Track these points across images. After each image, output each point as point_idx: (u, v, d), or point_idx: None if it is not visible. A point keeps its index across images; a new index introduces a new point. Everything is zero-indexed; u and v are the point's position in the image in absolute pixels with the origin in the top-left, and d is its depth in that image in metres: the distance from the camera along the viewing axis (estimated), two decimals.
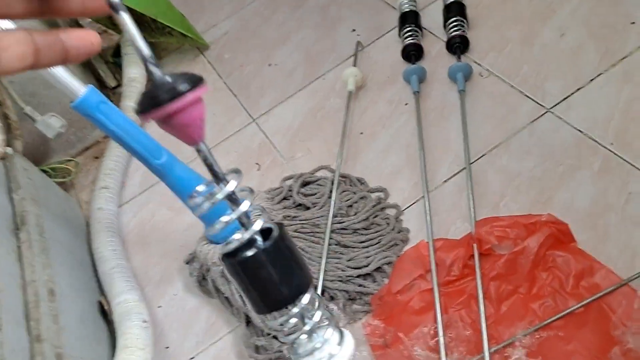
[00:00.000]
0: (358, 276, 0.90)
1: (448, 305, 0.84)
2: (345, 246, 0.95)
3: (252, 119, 1.24)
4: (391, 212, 1.00)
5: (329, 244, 0.94)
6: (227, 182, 0.33)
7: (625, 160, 0.90)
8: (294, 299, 0.36)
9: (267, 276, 0.35)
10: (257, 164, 1.16)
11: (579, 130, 0.97)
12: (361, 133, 1.12)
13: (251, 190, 0.37)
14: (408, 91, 1.14)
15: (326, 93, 1.22)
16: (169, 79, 0.27)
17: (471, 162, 0.99)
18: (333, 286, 0.89)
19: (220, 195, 0.33)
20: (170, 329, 0.97)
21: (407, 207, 0.99)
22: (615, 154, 0.92)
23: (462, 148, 1.01)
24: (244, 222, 0.35)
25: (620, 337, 0.70)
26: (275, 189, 1.07)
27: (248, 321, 0.91)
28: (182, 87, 0.27)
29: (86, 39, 0.27)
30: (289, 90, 1.26)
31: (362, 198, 1.01)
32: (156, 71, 0.28)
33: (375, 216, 0.99)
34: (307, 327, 0.40)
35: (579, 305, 0.77)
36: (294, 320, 0.39)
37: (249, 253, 0.35)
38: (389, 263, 0.92)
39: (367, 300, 0.89)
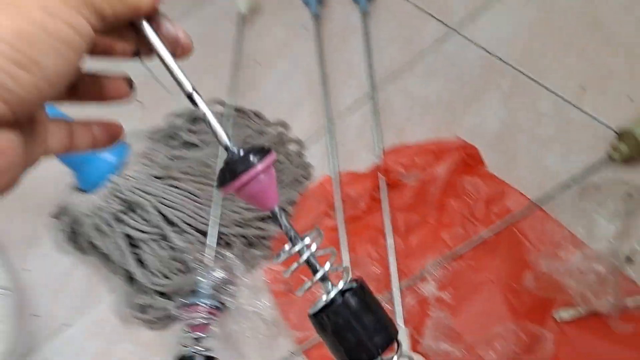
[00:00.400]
0: (257, 219, 0.80)
1: (355, 242, 0.76)
2: None
3: None
4: (293, 147, 0.90)
5: None
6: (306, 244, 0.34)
7: (533, 79, 0.86)
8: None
9: (355, 329, 0.33)
10: (138, 100, 1.00)
11: (486, 50, 0.91)
12: (257, 62, 1.00)
13: (333, 252, 0.37)
14: (307, 14, 1.03)
15: (215, 18, 1.08)
16: (240, 152, 0.31)
17: (376, 88, 0.91)
18: (229, 231, 0.78)
19: (302, 260, 0.34)
20: (40, 295, 0.83)
21: (310, 141, 0.90)
22: (523, 73, 0.87)
23: (366, 74, 0.92)
24: (325, 277, 0.34)
25: (532, 260, 0.66)
26: (160, 129, 0.93)
27: (130, 279, 0.79)
28: (252, 159, 0.30)
29: (112, 130, 0.34)
30: (175, 16, 1.09)
31: (259, 133, 0.90)
32: (232, 150, 0.31)
33: (275, 152, 0.88)
34: None
35: (490, 232, 0.72)
36: None
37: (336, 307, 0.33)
38: (291, 202, 0.82)
39: (267, 244, 0.80)
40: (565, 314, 0.65)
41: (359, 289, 0.34)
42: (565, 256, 0.66)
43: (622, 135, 0.73)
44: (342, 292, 0.33)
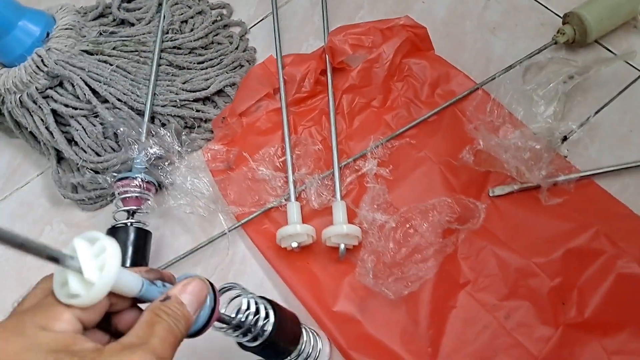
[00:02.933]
0: (195, 100, 0.77)
1: (298, 123, 0.74)
2: (180, 67, 0.79)
3: None
4: (235, 30, 0.85)
5: (159, 64, 0.78)
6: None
7: None
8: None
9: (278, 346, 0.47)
10: None
11: None
12: None
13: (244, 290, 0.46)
14: None
15: None
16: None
17: None
18: (165, 111, 0.74)
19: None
20: None
21: (254, 25, 0.85)
22: None
23: None
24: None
25: (472, 133, 0.66)
26: (92, 5, 0.86)
27: (60, 158, 0.75)
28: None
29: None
30: None
31: (199, 13, 0.85)
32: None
33: (216, 35, 0.84)
34: None
35: (431, 112, 0.72)
36: None
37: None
38: (232, 85, 0.79)
39: (207, 127, 0.77)
40: (499, 190, 0.66)
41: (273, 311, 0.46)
42: (503, 134, 0.66)
43: (567, 17, 0.73)
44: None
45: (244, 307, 0.43)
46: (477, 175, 0.67)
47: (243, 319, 0.43)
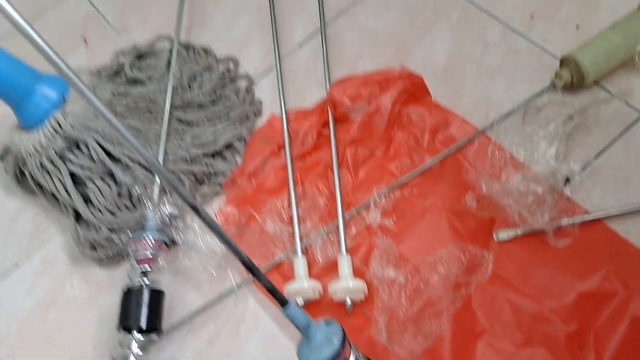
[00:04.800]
0: (205, 155, 0.80)
1: (304, 178, 0.76)
2: (189, 123, 0.83)
3: None
4: (242, 83, 0.88)
5: (169, 122, 0.81)
6: None
7: (482, 9, 0.85)
8: None
9: None
10: (83, 38, 0.97)
11: None
12: None
13: None
14: None
15: None
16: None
17: (327, 22, 0.89)
18: (176, 168, 0.77)
19: None
20: None
21: (260, 77, 0.88)
22: (473, 3, 0.86)
23: (317, 7, 0.89)
24: None
25: (472, 181, 0.68)
26: (105, 66, 0.90)
27: (78, 216, 0.78)
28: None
29: None
30: None
31: (207, 69, 0.88)
32: None
33: (224, 88, 0.87)
34: None
35: (433, 160, 0.73)
36: None
37: None
38: (240, 138, 0.82)
39: (217, 181, 0.79)
40: (503, 234, 0.67)
41: None
42: (505, 178, 0.68)
43: (564, 61, 0.74)
44: None
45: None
46: (483, 219, 0.68)
47: None
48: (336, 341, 0.48)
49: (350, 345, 0.51)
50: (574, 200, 0.68)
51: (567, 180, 0.69)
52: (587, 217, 0.66)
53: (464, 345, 0.62)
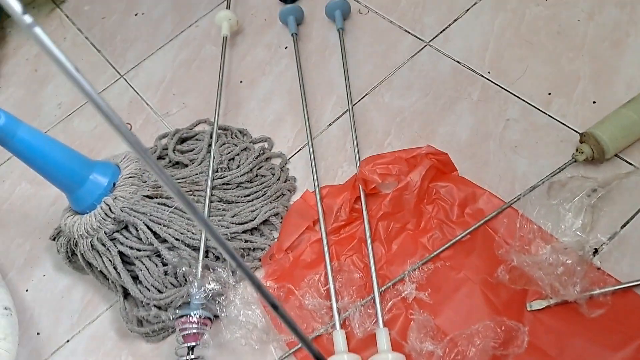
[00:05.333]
0: (244, 232, 0.84)
1: (339, 252, 0.80)
2: (229, 202, 0.88)
3: (119, 74, 1.12)
4: (276, 161, 0.94)
5: (211, 201, 0.87)
6: None
7: (501, 87, 0.90)
8: None
9: None
10: (128, 123, 1.05)
11: (457, 62, 0.95)
12: (240, 81, 1.05)
13: None
14: (286, 33, 1.08)
15: (200, 41, 1.13)
16: None
17: (354, 102, 0.95)
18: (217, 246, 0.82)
19: None
20: (41, 314, 0.86)
21: (293, 155, 0.94)
22: (492, 82, 0.91)
23: (344, 89, 0.96)
24: None
25: (504, 255, 0.71)
26: (149, 149, 0.97)
27: (126, 294, 0.83)
28: None
29: None
30: (159, 41, 1.15)
31: (244, 150, 0.94)
32: None
33: (260, 167, 0.93)
34: None
35: (464, 233, 0.76)
36: None
37: None
38: (276, 214, 0.86)
39: (256, 256, 0.84)
40: (536, 304, 0.69)
41: None
42: (535, 250, 0.70)
43: (584, 137, 0.78)
44: None
45: None
46: (516, 292, 0.70)
47: None
48: None
49: None
50: (604, 271, 0.70)
51: (596, 250, 0.71)
52: (618, 287, 0.68)
53: None
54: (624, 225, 0.74)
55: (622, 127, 0.76)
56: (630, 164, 0.78)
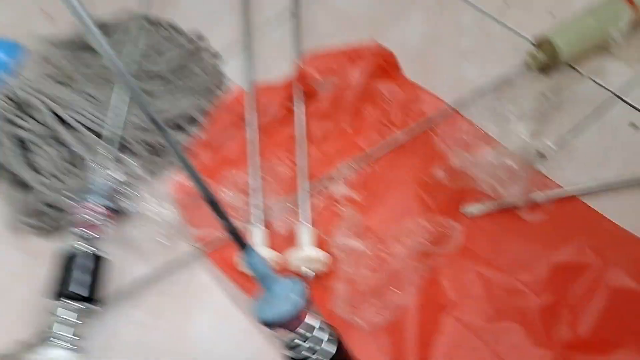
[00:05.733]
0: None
1: (268, 152, 0.72)
2: (150, 94, 0.78)
3: None
4: (207, 57, 0.84)
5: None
6: None
7: None
8: None
9: None
10: (44, 11, 0.93)
11: None
12: None
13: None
14: None
15: None
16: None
17: (299, 1, 0.87)
18: (129, 136, 0.72)
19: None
20: None
21: (228, 53, 0.85)
22: None
23: None
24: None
25: (443, 153, 0.65)
26: (66, 36, 0.86)
27: (20, 183, 0.72)
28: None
29: None
30: None
31: (170, 41, 0.84)
32: None
33: (188, 61, 0.83)
34: None
35: (403, 134, 0.70)
36: None
37: None
38: (201, 110, 0.77)
39: None
40: (473, 209, 0.63)
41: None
42: (477, 153, 0.65)
43: (540, 43, 0.72)
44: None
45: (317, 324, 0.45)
46: (453, 193, 0.65)
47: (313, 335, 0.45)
48: (297, 298, 0.43)
49: (313, 311, 0.46)
50: (548, 176, 0.65)
51: (541, 155, 0.66)
52: (562, 193, 0.63)
53: (430, 318, 0.57)
54: (572, 133, 0.69)
55: (578, 33, 0.72)
56: (582, 73, 0.73)
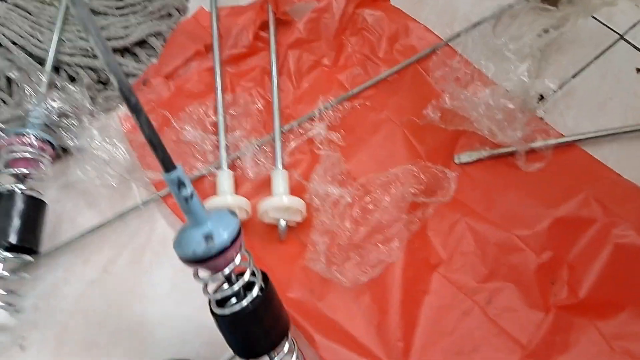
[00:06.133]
0: (113, 51, 0.64)
1: (235, 84, 0.63)
2: (95, 11, 0.67)
3: None
4: None
5: (68, 6, 0.65)
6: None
7: None
8: (273, 347, 0.40)
9: (251, 329, 0.39)
10: None
11: None
12: None
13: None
14: None
15: None
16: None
17: None
18: (73, 61, 0.62)
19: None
20: None
21: None
22: None
23: None
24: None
25: (435, 92, 0.57)
26: None
27: None
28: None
29: None
30: None
31: None
32: None
33: None
34: None
35: (390, 71, 0.62)
36: None
37: (237, 307, 0.38)
38: (157, 35, 0.67)
39: None
40: (466, 157, 0.57)
41: (264, 284, 0.39)
42: (472, 92, 0.58)
43: None
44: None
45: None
46: (445, 138, 0.58)
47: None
48: (223, 234, 0.35)
49: (247, 252, 0.39)
50: (548, 122, 0.59)
51: (541, 97, 0.60)
52: (562, 140, 0.58)
53: (418, 277, 0.51)
54: (574, 76, 0.63)
55: None
56: (588, 10, 0.66)
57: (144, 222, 0.55)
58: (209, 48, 0.65)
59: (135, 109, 0.32)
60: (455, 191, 0.55)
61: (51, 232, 0.54)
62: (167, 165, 0.33)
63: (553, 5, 0.64)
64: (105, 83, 0.64)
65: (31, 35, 0.61)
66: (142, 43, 0.66)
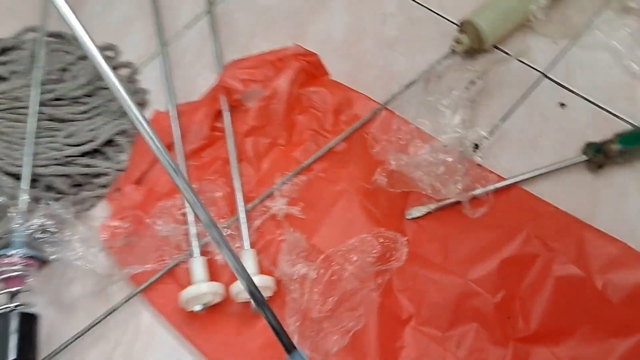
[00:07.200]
0: (83, 155, 0.70)
1: (200, 178, 0.68)
2: (62, 120, 0.72)
3: None
4: (123, 72, 0.79)
5: (39, 119, 0.70)
6: None
7: None
8: None
9: None
10: None
11: None
12: None
13: None
14: None
15: None
16: None
17: (214, 0, 0.82)
18: (48, 172, 0.67)
19: None
20: None
21: (144, 65, 0.79)
22: None
23: None
24: None
25: (379, 155, 0.63)
26: None
27: None
28: None
29: None
30: None
31: (80, 58, 0.78)
32: None
33: (102, 79, 0.77)
34: None
35: (337, 139, 0.68)
36: None
37: None
38: (123, 132, 0.72)
39: (100, 182, 0.69)
40: (416, 211, 0.63)
41: None
42: (414, 151, 0.63)
43: (462, 25, 0.71)
44: None
45: None
46: (397, 198, 0.64)
47: None
48: None
49: None
50: (486, 167, 0.65)
51: (476, 146, 0.65)
52: (500, 184, 0.63)
53: (391, 333, 0.56)
54: (504, 119, 0.69)
55: (500, 13, 0.70)
56: (508, 54, 0.73)
57: (131, 318, 0.60)
58: (170, 147, 0.69)
59: (262, 304, 0.45)
60: (412, 246, 0.61)
61: (46, 340, 0.59)
62: (288, 348, 0.44)
63: (473, 58, 0.70)
64: (80, 185, 0.69)
65: (6, 155, 0.66)
66: (109, 142, 0.72)
